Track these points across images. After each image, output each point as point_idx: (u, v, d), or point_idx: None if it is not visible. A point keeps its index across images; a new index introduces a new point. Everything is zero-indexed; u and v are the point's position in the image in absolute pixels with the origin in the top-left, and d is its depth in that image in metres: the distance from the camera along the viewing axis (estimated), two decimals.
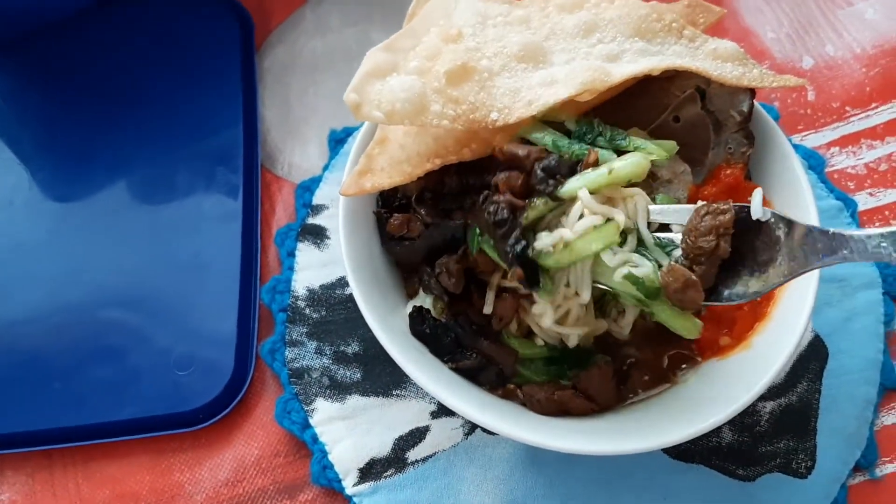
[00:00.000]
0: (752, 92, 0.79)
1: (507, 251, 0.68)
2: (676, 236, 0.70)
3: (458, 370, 0.77)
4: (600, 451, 0.70)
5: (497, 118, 0.72)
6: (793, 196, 0.78)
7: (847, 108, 1.02)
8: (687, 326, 0.70)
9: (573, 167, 0.70)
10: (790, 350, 0.71)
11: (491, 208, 0.69)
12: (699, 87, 0.79)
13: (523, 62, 0.75)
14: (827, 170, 0.98)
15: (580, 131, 0.74)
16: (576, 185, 0.68)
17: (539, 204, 0.69)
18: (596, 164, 0.70)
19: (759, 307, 0.77)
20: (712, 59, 0.78)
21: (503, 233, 0.69)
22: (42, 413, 0.86)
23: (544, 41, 0.77)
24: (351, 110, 0.70)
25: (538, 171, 0.70)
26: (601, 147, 0.73)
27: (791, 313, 0.74)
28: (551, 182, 0.69)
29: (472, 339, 0.76)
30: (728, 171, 0.79)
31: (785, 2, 1.09)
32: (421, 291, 0.80)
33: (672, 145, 0.74)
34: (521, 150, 0.71)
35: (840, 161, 0.99)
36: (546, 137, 0.73)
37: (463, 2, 0.79)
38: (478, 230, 0.73)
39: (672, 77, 0.80)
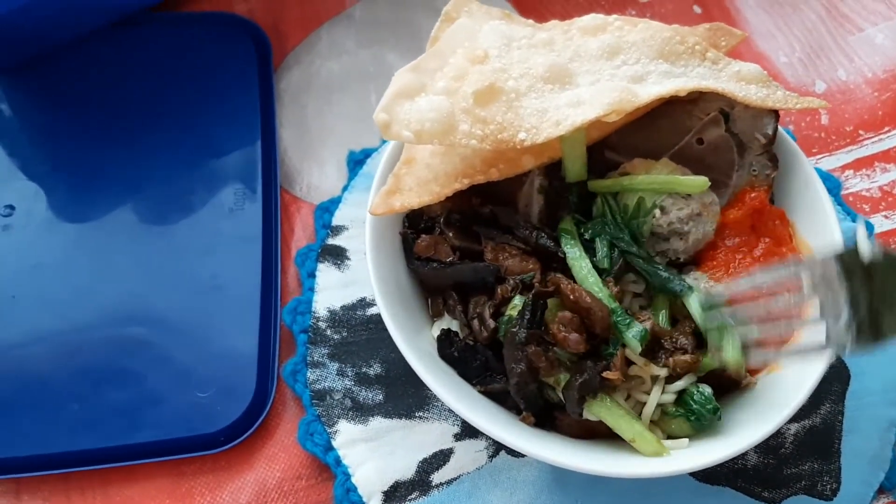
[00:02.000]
0: (776, 114, 0.80)
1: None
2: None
3: (487, 393, 0.76)
4: (628, 474, 0.70)
5: (525, 138, 0.72)
6: (817, 220, 0.79)
7: (860, 132, 1.03)
8: None
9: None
10: (820, 371, 0.71)
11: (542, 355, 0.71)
12: (723, 109, 0.80)
13: (549, 83, 0.76)
14: (842, 192, 0.99)
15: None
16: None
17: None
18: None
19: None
20: (736, 81, 0.78)
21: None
22: (59, 436, 0.84)
23: (569, 63, 0.78)
24: (380, 130, 0.70)
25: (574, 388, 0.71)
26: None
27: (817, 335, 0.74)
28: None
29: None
30: (753, 195, 0.80)
31: (796, 27, 1.10)
32: (446, 314, 0.80)
33: (703, 181, 0.75)
34: (594, 305, 0.71)
35: (854, 184, 1.00)
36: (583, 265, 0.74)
37: (487, 25, 0.80)
38: None
39: (695, 100, 0.81)
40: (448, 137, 0.71)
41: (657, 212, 0.75)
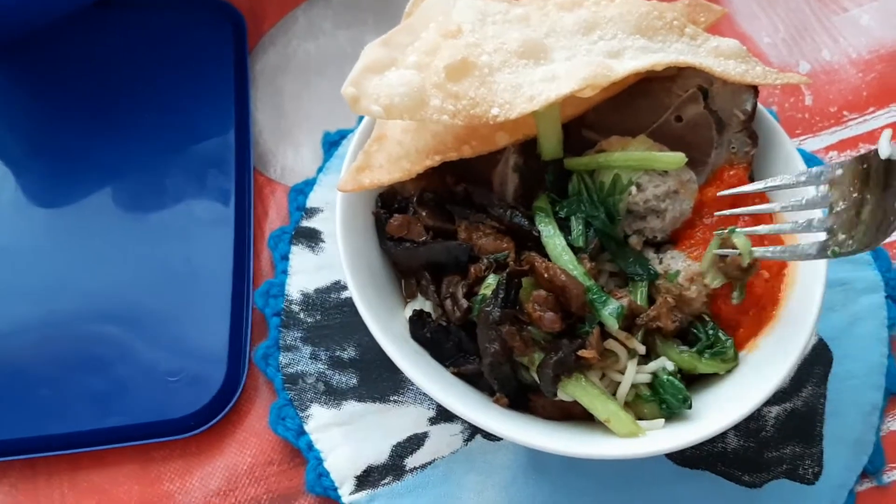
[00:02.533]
0: (755, 91, 0.78)
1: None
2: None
3: (460, 375, 0.75)
4: (604, 455, 0.68)
5: (498, 113, 0.70)
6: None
7: (844, 113, 1.01)
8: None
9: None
10: (797, 354, 0.69)
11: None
12: (701, 86, 0.78)
13: (524, 58, 0.74)
14: None
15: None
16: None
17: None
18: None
19: (764, 310, 0.75)
20: (714, 57, 0.77)
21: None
22: (25, 420, 0.82)
23: (544, 38, 0.76)
24: (349, 104, 0.69)
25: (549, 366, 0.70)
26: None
27: (797, 315, 0.73)
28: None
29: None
30: (732, 172, 0.78)
31: (780, 7, 1.08)
32: (419, 295, 0.79)
33: (680, 158, 0.73)
34: (569, 282, 0.70)
35: None
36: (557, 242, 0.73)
37: (462, 0, 0.78)
38: None
39: (674, 77, 0.79)
40: (419, 112, 0.69)
41: (633, 189, 0.74)
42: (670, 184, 0.75)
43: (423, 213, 0.77)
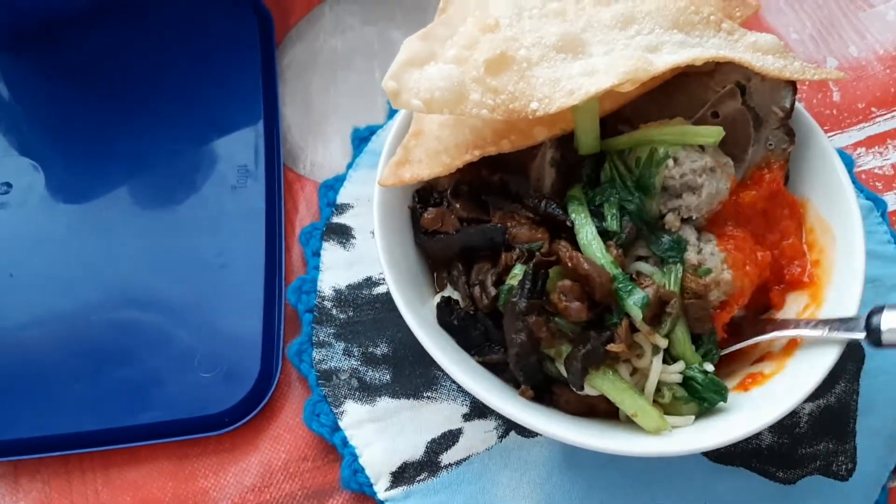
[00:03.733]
0: (793, 87, 0.78)
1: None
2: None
3: (485, 364, 0.74)
4: (645, 453, 0.68)
5: (537, 108, 0.70)
6: (834, 195, 0.77)
7: (872, 109, 1.01)
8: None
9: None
10: (834, 357, 0.69)
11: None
12: (739, 82, 0.78)
13: (562, 53, 0.74)
14: (855, 170, 0.97)
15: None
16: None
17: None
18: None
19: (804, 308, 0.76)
20: (752, 52, 0.76)
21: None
22: (59, 417, 0.82)
23: (582, 33, 0.76)
24: (390, 98, 0.69)
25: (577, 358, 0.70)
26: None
27: (838, 314, 0.73)
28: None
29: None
30: (769, 176, 0.78)
31: (807, 3, 1.08)
32: (449, 285, 0.78)
33: (718, 130, 0.74)
34: (594, 271, 0.69)
35: (867, 161, 0.98)
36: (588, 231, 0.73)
37: None
38: None
39: (711, 72, 0.79)
40: (458, 107, 0.69)
41: (670, 162, 0.73)
42: (707, 160, 0.74)
43: (458, 205, 0.77)
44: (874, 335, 0.66)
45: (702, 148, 0.75)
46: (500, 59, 0.71)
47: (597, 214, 0.74)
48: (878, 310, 0.66)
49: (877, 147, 0.99)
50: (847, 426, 0.83)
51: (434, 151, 0.75)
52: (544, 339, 0.70)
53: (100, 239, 0.89)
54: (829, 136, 0.99)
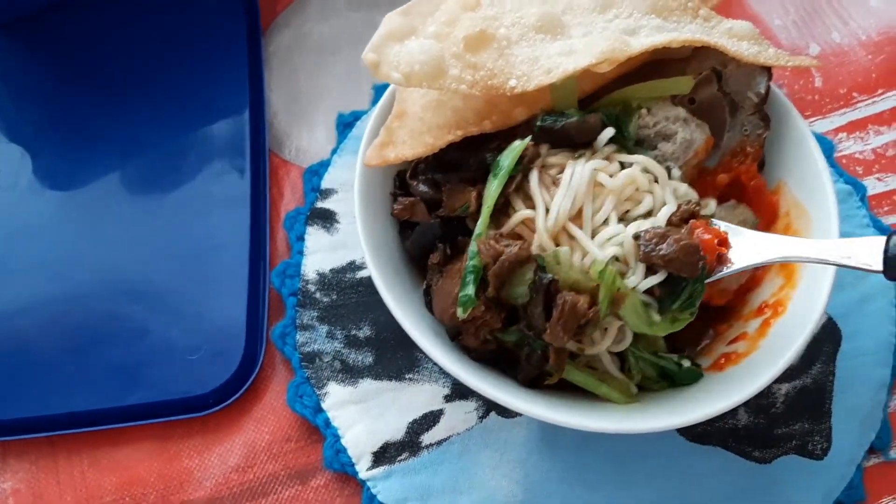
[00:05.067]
0: (768, 73, 0.79)
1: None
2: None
3: (473, 354, 0.75)
4: (618, 429, 0.69)
5: (515, 85, 0.71)
6: (810, 178, 0.78)
7: (854, 95, 1.02)
8: None
9: None
10: (807, 334, 0.70)
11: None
12: (715, 68, 0.79)
13: (541, 32, 0.75)
14: (835, 155, 0.98)
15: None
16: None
17: None
18: None
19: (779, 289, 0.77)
20: (728, 38, 0.77)
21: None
22: (46, 399, 0.84)
23: (562, 14, 0.77)
24: (370, 68, 0.70)
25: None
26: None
27: (807, 298, 0.74)
28: None
29: None
30: (743, 167, 0.79)
31: None
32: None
33: (688, 80, 0.76)
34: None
35: (848, 146, 0.99)
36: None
37: None
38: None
39: (688, 58, 0.80)
40: (437, 81, 0.70)
41: (643, 112, 0.75)
42: (680, 111, 0.76)
43: (418, 186, 0.77)
44: (891, 264, 0.61)
45: (674, 104, 0.76)
46: (479, 37, 0.72)
47: None
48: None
49: (858, 132, 1.00)
50: (823, 406, 0.84)
51: (417, 132, 0.76)
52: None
53: (86, 224, 0.91)
54: (810, 122, 1.01)
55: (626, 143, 0.74)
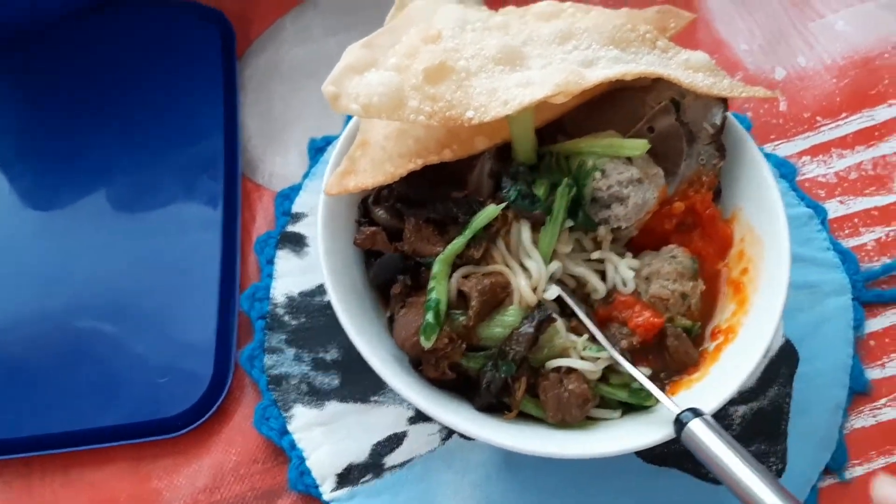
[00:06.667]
0: (724, 104, 0.81)
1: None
2: None
3: (435, 382, 0.77)
4: (576, 455, 0.71)
5: (473, 116, 0.72)
6: (764, 206, 0.79)
7: (818, 119, 1.04)
8: None
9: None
10: (757, 358, 0.72)
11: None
12: (674, 98, 0.81)
13: (500, 64, 0.76)
14: (798, 178, 1.00)
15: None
16: None
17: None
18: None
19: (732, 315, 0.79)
20: (684, 69, 0.79)
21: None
22: (20, 421, 0.86)
23: (522, 46, 0.78)
24: (329, 101, 0.71)
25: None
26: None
27: (758, 324, 0.76)
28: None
29: None
30: (698, 196, 0.81)
31: (757, 13, 1.11)
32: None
33: (643, 143, 0.77)
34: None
35: (811, 170, 1.01)
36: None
37: (443, 7, 0.81)
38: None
39: (648, 88, 0.82)
40: (396, 112, 0.71)
41: (597, 174, 0.76)
42: (634, 172, 0.77)
43: (380, 213, 0.79)
44: (679, 427, 0.68)
45: (629, 160, 0.78)
46: (439, 69, 0.74)
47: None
48: (698, 413, 0.68)
49: (821, 155, 1.02)
50: (779, 428, 0.86)
51: (378, 161, 0.78)
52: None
53: (58, 245, 0.93)
54: (775, 145, 1.02)
55: (584, 205, 0.78)
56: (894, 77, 1.05)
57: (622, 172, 0.76)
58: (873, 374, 0.90)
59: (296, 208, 0.96)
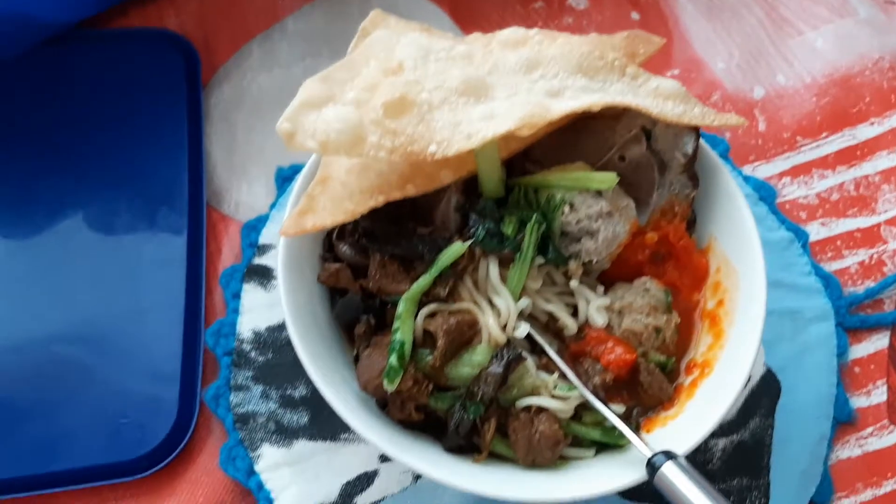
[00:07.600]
0: (696, 133, 0.78)
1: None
2: None
3: (402, 423, 0.75)
4: (544, 500, 0.69)
5: (436, 150, 0.70)
6: (739, 236, 0.77)
7: (798, 138, 1.02)
8: None
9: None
10: (734, 395, 0.70)
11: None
12: (645, 127, 0.79)
13: (464, 96, 0.74)
14: (778, 200, 0.98)
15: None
16: None
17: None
18: None
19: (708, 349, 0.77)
20: (654, 98, 0.77)
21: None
22: None
23: (487, 76, 0.76)
24: (284, 140, 0.69)
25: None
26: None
27: (734, 359, 0.74)
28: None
29: None
30: (671, 226, 0.79)
31: (735, 32, 1.09)
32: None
33: (612, 177, 0.75)
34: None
35: (792, 191, 0.99)
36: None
37: (405, 37, 0.78)
38: None
39: (619, 116, 0.80)
40: (355, 149, 0.69)
41: (566, 208, 0.74)
42: (603, 205, 0.75)
43: (344, 249, 0.77)
44: (651, 470, 0.66)
45: (599, 193, 0.76)
46: (399, 102, 0.71)
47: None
48: (671, 455, 0.66)
49: (802, 176, 1.00)
50: (761, 461, 0.84)
51: (338, 198, 0.75)
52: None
53: (19, 284, 0.90)
54: (754, 166, 1.00)
55: (553, 239, 0.76)
56: (875, 95, 1.04)
57: (591, 206, 0.74)
58: (859, 402, 0.88)
59: (263, 240, 0.93)
